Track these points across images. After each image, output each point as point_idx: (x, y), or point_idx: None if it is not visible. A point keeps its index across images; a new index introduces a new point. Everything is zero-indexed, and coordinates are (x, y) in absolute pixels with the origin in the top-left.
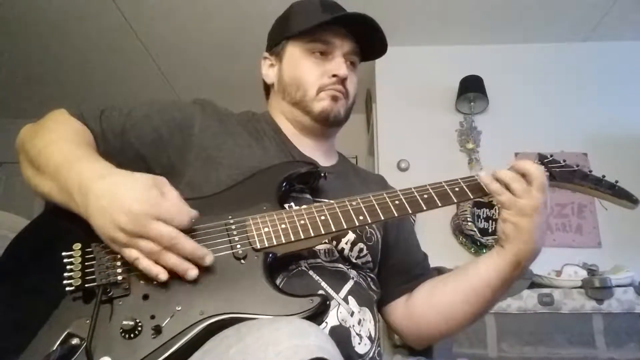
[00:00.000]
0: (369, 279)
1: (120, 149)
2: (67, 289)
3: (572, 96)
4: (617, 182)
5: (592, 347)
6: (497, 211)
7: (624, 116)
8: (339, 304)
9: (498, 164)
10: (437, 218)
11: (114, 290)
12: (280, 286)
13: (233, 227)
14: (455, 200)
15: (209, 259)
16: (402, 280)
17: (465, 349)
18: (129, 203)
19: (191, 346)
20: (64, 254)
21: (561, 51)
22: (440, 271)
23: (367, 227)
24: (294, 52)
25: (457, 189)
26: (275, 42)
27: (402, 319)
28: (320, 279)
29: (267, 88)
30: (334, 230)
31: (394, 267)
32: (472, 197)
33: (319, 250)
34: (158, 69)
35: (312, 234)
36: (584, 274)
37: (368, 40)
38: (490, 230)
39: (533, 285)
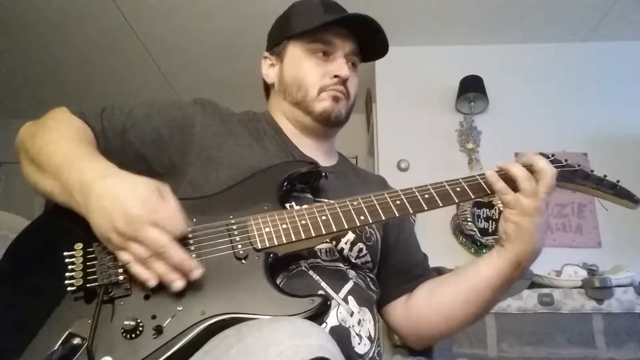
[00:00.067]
0: (368, 279)
1: (121, 148)
2: (69, 288)
3: (572, 96)
4: (618, 181)
5: (592, 347)
6: (497, 211)
7: (624, 116)
8: (339, 304)
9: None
10: (438, 218)
11: (116, 290)
12: (280, 286)
13: (234, 227)
14: (457, 200)
15: (196, 274)
16: (402, 280)
17: (465, 349)
18: (129, 205)
19: (192, 346)
20: (65, 253)
21: (561, 51)
22: (440, 271)
23: (367, 227)
24: (295, 52)
25: (458, 189)
26: (276, 41)
27: (402, 319)
28: (320, 279)
29: (267, 88)
30: (335, 230)
31: (394, 267)
32: (473, 197)
33: (319, 250)
34: (158, 69)
35: (313, 234)
36: (584, 274)
37: (369, 41)
38: (490, 230)
39: (533, 285)
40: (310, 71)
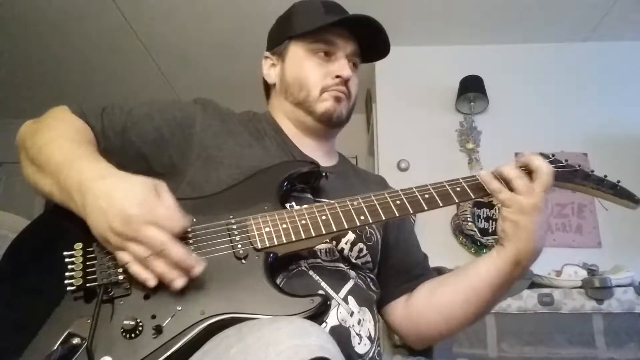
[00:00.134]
0: (368, 279)
1: (121, 147)
2: (69, 288)
3: (572, 96)
4: (619, 182)
5: (592, 347)
6: (497, 211)
7: (624, 116)
8: (339, 304)
9: (498, 164)
10: (438, 218)
11: (115, 290)
12: (280, 286)
13: (234, 226)
14: (457, 200)
15: (197, 270)
16: (402, 280)
17: (465, 349)
18: (126, 206)
19: (192, 346)
20: (65, 253)
21: (561, 51)
22: (440, 271)
23: (367, 227)
24: (297, 51)
25: (458, 189)
26: (278, 41)
27: (402, 319)
28: (320, 279)
29: (268, 88)
30: (335, 230)
31: (394, 267)
32: (473, 197)
33: (319, 250)
34: (158, 69)
35: (313, 234)
36: (584, 274)
37: (371, 42)
38: (490, 230)
39: (533, 285)
40: (312, 71)
